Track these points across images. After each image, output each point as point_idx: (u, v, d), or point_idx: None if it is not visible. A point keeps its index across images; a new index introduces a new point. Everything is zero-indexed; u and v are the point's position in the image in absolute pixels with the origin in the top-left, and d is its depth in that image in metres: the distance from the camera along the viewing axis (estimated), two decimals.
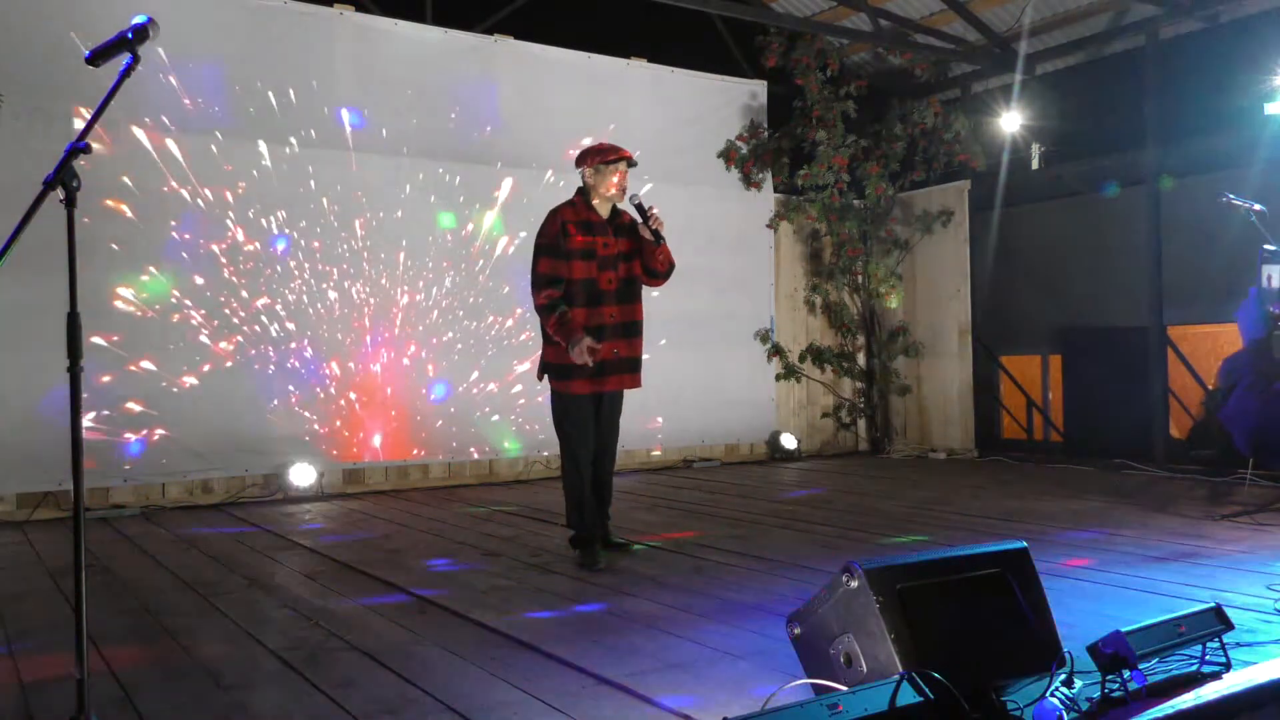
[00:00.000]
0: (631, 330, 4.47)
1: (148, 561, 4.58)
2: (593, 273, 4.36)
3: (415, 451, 7.11)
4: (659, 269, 4.47)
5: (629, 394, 4.64)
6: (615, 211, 4.53)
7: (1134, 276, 7.56)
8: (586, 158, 4.46)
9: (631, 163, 4.47)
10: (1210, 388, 7.22)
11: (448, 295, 7.24)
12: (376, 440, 6.96)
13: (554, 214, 4.45)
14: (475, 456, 7.32)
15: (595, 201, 4.46)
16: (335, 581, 4.11)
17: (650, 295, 7.77)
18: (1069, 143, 8.34)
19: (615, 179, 4.41)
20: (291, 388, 6.66)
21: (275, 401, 6.60)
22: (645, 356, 4.63)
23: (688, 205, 8.28)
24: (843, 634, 2.32)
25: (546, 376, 4.48)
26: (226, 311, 6.47)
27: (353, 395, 6.88)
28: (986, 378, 8.76)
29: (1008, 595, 2.48)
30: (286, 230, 6.69)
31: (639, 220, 4.41)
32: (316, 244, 6.78)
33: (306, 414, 6.71)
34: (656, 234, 4.35)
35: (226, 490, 6.48)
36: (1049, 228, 8.32)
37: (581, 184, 4.51)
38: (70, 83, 5.91)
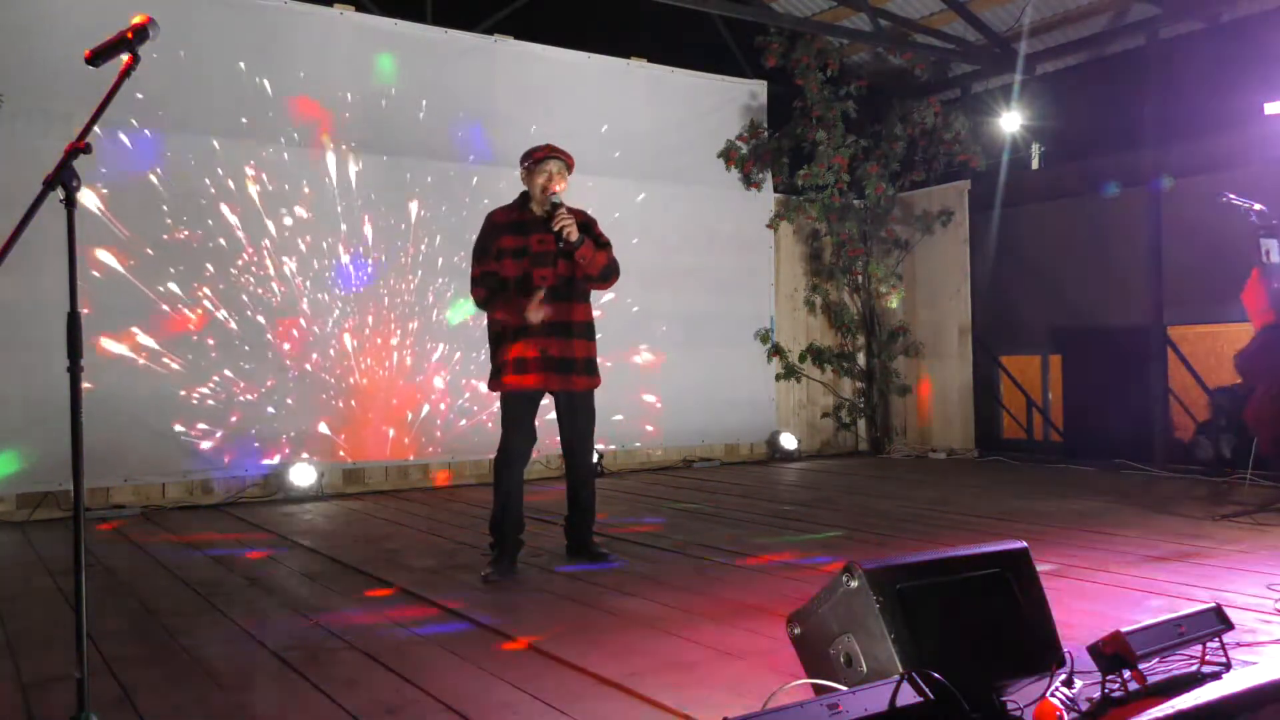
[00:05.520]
0: (567, 330, 4.32)
1: (148, 561, 4.58)
2: (525, 269, 4.32)
3: (415, 452, 7.11)
4: (589, 274, 4.32)
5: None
6: (555, 208, 4.35)
7: (1134, 276, 7.56)
8: (522, 158, 4.45)
9: (566, 162, 4.39)
10: (1213, 386, 7.20)
11: (449, 294, 7.24)
12: (376, 440, 6.97)
13: (487, 217, 4.48)
14: (475, 457, 7.32)
15: (532, 202, 4.42)
16: (335, 581, 4.11)
17: (651, 294, 7.88)
18: (1069, 143, 8.34)
19: (542, 178, 4.34)
20: (292, 387, 6.67)
21: (275, 401, 6.60)
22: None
23: (688, 205, 8.29)
24: (843, 634, 2.32)
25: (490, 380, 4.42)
26: (228, 311, 6.47)
27: (353, 395, 6.89)
28: (986, 378, 8.75)
29: (1008, 595, 2.48)
30: (287, 230, 6.69)
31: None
32: (317, 243, 6.78)
33: (306, 414, 6.71)
34: (558, 235, 4.23)
35: (226, 490, 6.48)
36: (1049, 228, 8.31)
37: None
38: (70, 83, 5.90)
